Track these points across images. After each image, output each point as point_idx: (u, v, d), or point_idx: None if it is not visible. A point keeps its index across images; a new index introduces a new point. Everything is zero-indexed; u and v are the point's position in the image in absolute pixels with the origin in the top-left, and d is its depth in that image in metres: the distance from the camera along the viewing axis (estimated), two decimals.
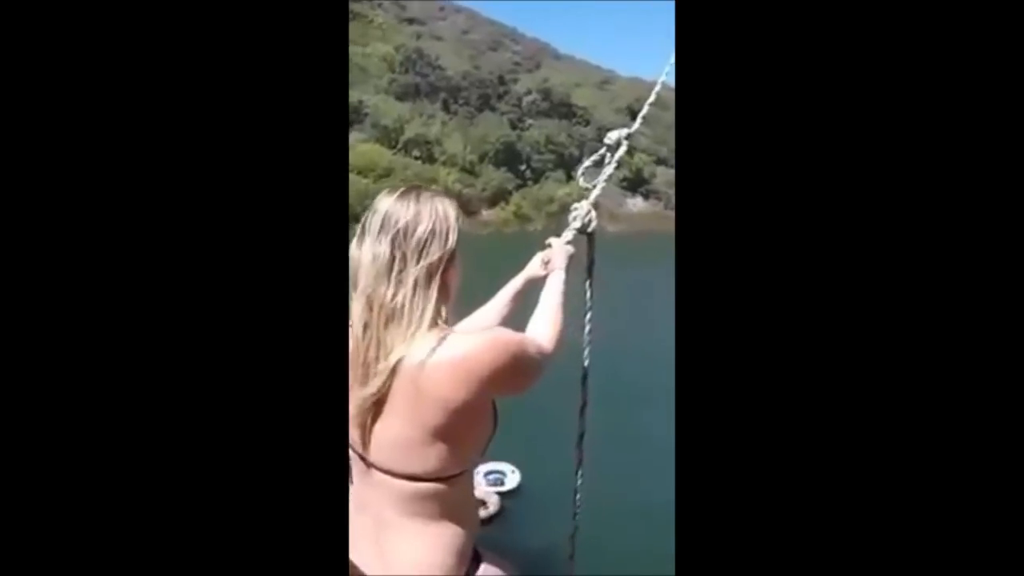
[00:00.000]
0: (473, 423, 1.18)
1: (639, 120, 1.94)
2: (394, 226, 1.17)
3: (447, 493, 1.20)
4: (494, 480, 8.81)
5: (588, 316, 1.89)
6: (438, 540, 1.22)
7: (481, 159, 53.64)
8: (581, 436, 1.94)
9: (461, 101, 62.95)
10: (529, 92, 69.12)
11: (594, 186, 1.95)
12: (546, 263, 1.73)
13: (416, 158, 49.28)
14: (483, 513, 8.27)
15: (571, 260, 1.73)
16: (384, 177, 43.57)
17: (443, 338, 1.15)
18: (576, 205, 1.90)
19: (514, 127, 60.82)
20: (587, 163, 1.99)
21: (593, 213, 1.89)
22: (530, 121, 62.20)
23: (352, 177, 38.52)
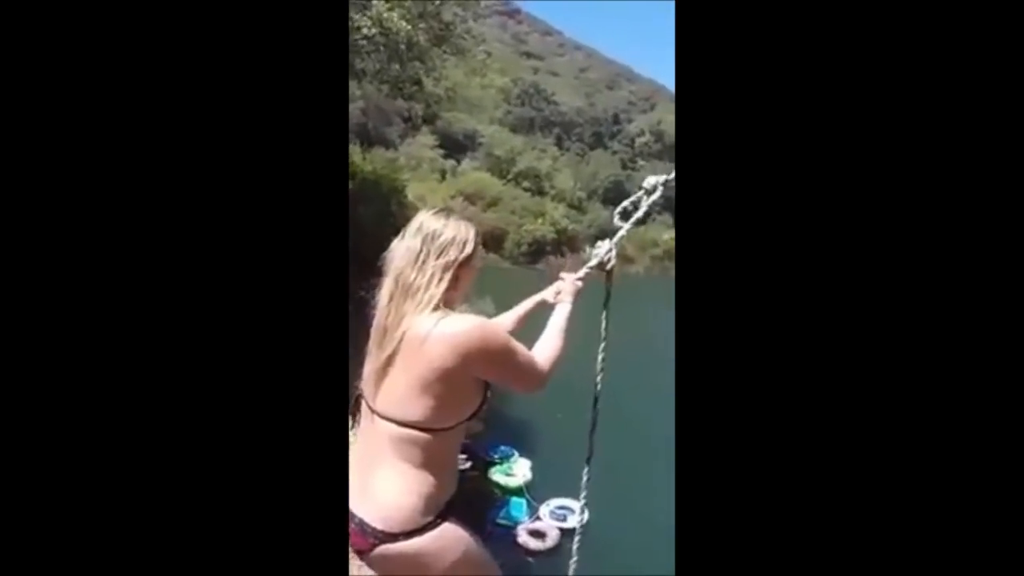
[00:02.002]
0: (455, 389, 1.46)
1: None
2: (426, 230, 1.53)
3: (430, 444, 1.47)
4: (559, 515, 8.72)
5: (603, 345, 2.01)
6: (414, 484, 1.47)
7: (590, 196, 53.69)
8: (589, 458, 2.05)
9: (574, 137, 63.44)
10: (642, 133, 68.95)
11: (632, 225, 2.03)
12: (556, 294, 1.91)
13: (525, 190, 49.77)
14: (540, 546, 8.18)
15: (579, 295, 1.90)
16: (492, 206, 44.25)
17: (442, 317, 1.45)
18: (599, 243, 2.00)
19: (625, 167, 60.75)
20: (625, 203, 2.06)
21: (614, 252, 2.00)
22: (641, 162, 61.96)
23: (459, 203, 39.24)
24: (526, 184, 50.14)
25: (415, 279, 1.48)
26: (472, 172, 48.35)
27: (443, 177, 46.51)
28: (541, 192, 50.84)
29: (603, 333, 2.01)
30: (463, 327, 1.44)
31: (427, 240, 1.51)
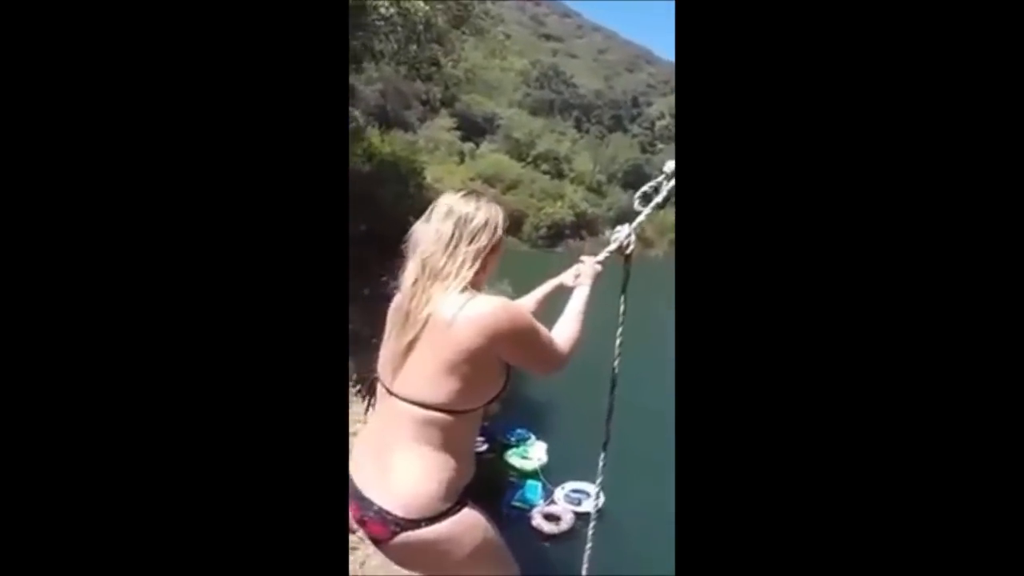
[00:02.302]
0: (481, 370, 1.45)
1: None
2: (458, 213, 1.51)
3: (452, 426, 1.46)
4: (574, 499, 8.76)
5: (620, 330, 2.01)
6: (434, 469, 1.46)
7: (609, 179, 53.47)
8: (606, 443, 2.05)
9: (593, 120, 63.16)
10: (662, 116, 68.53)
11: (653, 209, 2.03)
12: (576, 277, 1.90)
13: (544, 173, 49.58)
14: (554, 529, 8.24)
15: (598, 278, 1.90)
16: (511, 189, 44.10)
17: (469, 299, 1.45)
18: (619, 227, 2.00)
19: (644, 150, 60.49)
20: (645, 188, 2.06)
21: (633, 236, 2.00)
22: (661, 145, 61.71)
23: (478, 186, 39.10)
24: (545, 167, 49.87)
25: (445, 264, 1.47)
26: (491, 155, 48.18)
27: (461, 160, 46.37)
28: (560, 175, 50.57)
29: (621, 317, 2.02)
30: (490, 308, 1.43)
31: (459, 224, 1.50)
